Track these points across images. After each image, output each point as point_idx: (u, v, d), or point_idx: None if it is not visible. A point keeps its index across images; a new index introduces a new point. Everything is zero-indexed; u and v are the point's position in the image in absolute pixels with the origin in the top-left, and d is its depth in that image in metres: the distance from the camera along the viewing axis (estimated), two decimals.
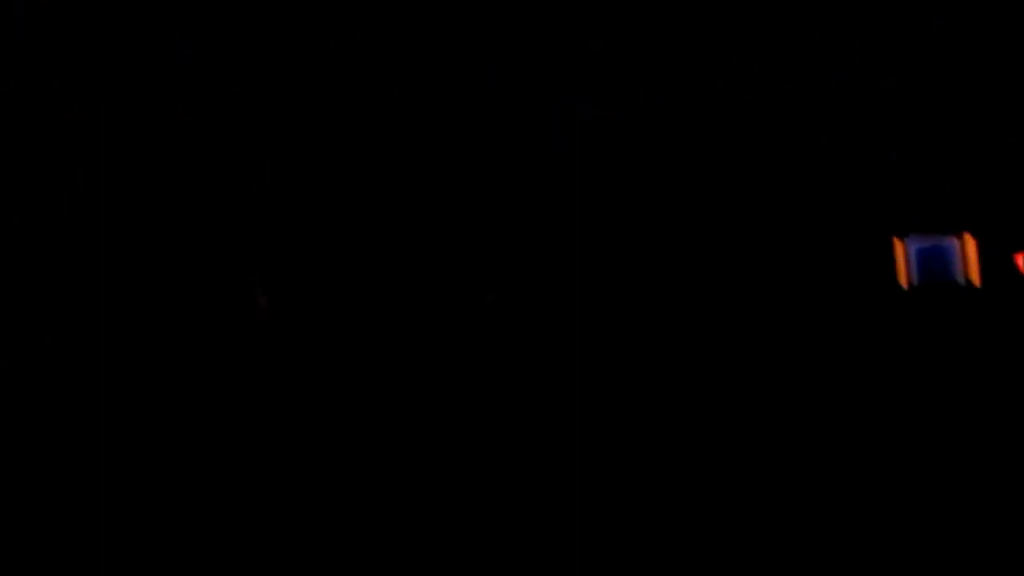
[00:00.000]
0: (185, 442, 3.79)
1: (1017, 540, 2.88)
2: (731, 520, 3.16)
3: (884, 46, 4.21)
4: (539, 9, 4.37)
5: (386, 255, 4.48)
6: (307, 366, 4.23)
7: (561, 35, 4.38)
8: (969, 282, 3.99)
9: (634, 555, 3.01)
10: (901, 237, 4.05)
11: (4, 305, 4.23)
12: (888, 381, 3.93)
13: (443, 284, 4.43)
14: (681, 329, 4.35)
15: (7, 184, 4.35)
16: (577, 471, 3.65)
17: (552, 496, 3.42)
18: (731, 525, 3.13)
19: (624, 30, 4.35)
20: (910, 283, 4.06)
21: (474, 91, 4.46)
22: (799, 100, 4.33)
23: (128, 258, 4.41)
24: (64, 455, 3.75)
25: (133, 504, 3.39)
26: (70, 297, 4.31)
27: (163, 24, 4.37)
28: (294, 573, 3.04)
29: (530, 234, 4.51)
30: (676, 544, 3.04)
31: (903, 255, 4.15)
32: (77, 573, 3.02)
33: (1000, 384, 3.75)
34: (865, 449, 3.57)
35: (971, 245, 4.07)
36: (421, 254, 4.48)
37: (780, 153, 4.34)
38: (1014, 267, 4.00)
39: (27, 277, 4.29)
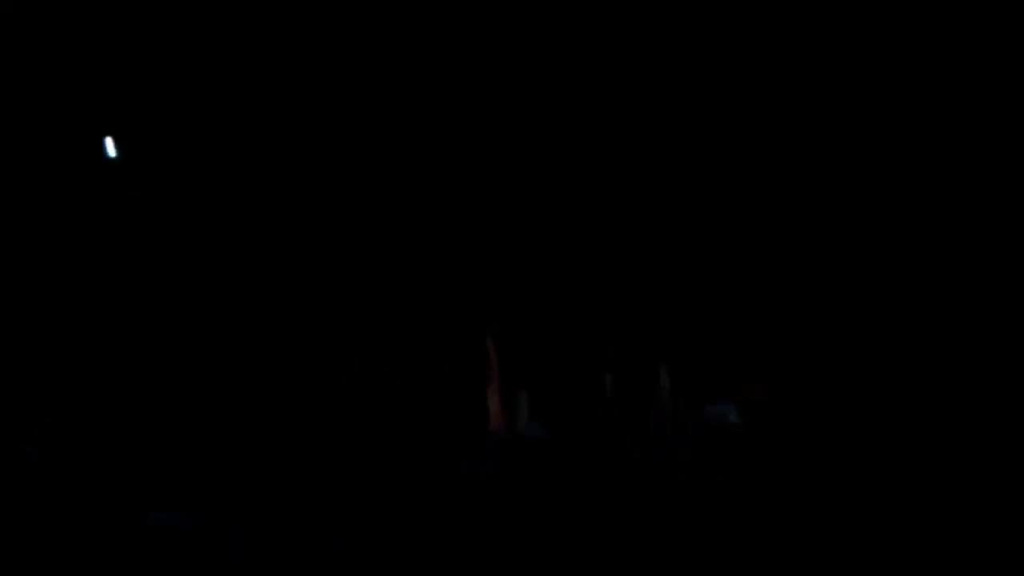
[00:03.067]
0: (184, 442, 3.80)
1: None
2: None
3: (884, 46, 4.21)
4: (539, 9, 4.38)
5: (386, 254, 4.49)
6: (306, 363, 4.25)
7: (561, 34, 4.38)
8: None
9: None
10: None
11: (4, 305, 4.24)
12: None
13: (443, 283, 4.44)
14: (684, 328, 4.36)
15: (7, 184, 4.36)
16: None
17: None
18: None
19: (624, 30, 4.35)
20: None
21: (474, 91, 4.47)
22: (799, 100, 4.33)
23: (128, 257, 4.42)
24: (63, 454, 3.76)
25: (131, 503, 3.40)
26: (70, 297, 4.32)
27: (163, 24, 4.38)
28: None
29: (530, 234, 4.51)
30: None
31: None
32: (77, 572, 3.03)
33: None
34: None
35: None
36: (420, 252, 4.48)
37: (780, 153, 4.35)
38: None
39: (27, 277, 4.30)
